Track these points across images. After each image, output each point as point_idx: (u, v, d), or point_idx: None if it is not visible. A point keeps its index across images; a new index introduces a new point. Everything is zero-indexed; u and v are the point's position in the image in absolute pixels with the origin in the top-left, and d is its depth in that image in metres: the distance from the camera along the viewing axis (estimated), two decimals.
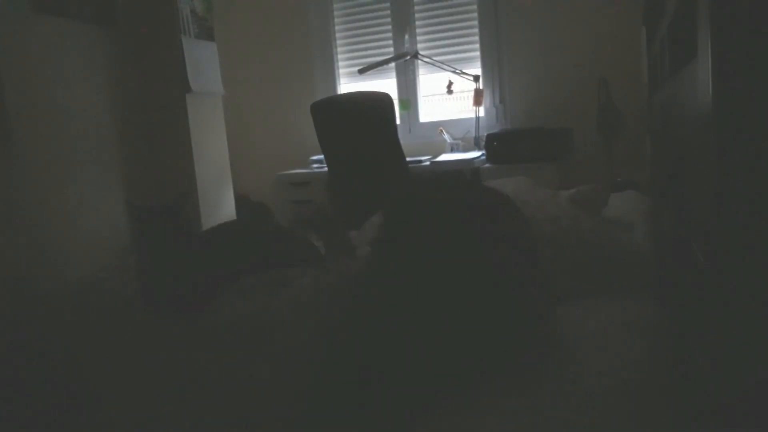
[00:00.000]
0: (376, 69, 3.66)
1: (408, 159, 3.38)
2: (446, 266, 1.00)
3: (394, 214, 1.11)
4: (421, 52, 3.75)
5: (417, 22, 3.87)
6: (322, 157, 3.38)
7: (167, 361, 1.16)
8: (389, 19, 3.92)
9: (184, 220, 1.44)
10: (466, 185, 1.20)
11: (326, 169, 3.32)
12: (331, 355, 1.02)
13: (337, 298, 1.20)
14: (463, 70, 3.64)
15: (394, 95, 3.74)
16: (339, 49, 4.06)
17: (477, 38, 3.77)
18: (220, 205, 3.15)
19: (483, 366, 0.98)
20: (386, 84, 3.95)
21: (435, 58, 3.72)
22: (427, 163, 3.45)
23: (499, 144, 3.31)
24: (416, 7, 3.86)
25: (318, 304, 1.21)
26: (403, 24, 3.89)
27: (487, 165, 3.33)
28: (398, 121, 3.61)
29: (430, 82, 3.94)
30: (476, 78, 3.61)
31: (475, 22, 3.76)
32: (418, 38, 3.88)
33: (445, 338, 0.98)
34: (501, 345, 1.00)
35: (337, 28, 4.05)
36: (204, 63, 3.02)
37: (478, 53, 3.77)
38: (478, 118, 3.68)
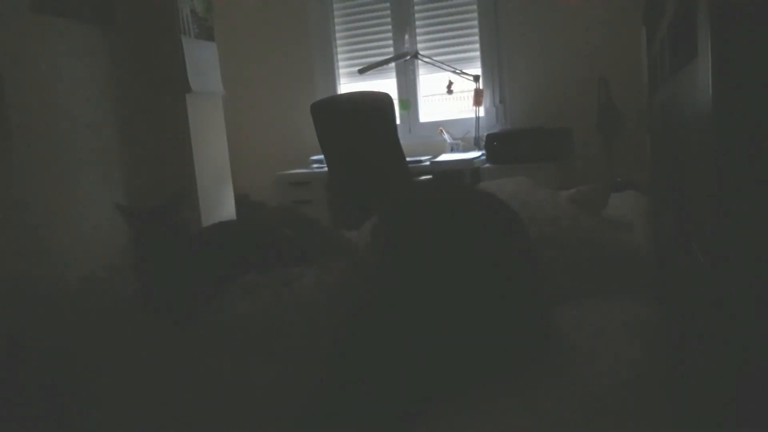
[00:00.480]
0: (376, 69, 3.66)
1: (408, 159, 3.38)
2: (442, 267, 1.00)
3: (388, 216, 1.11)
4: (421, 52, 3.75)
5: (417, 22, 3.87)
6: (322, 157, 3.38)
7: (168, 361, 1.16)
8: (389, 19, 3.92)
9: (179, 221, 1.43)
10: (458, 188, 1.20)
11: (326, 169, 3.32)
12: (333, 356, 1.02)
13: (340, 299, 1.20)
14: (463, 70, 3.64)
15: (394, 95, 3.74)
16: (339, 49, 4.06)
17: (477, 38, 3.77)
18: (220, 205, 3.15)
19: (482, 367, 0.98)
20: (386, 84, 3.95)
21: (435, 58, 3.72)
22: (427, 163, 3.45)
23: (499, 144, 3.31)
24: (416, 7, 3.86)
25: (321, 304, 1.20)
26: (403, 24, 3.88)
27: (487, 165, 3.33)
28: (398, 121, 3.61)
29: (430, 82, 3.94)
30: (476, 78, 3.61)
31: (475, 22, 3.76)
32: (418, 38, 3.88)
33: (442, 339, 0.98)
34: (499, 345, 1.00)
35: (337, 28, 4.05)
36: (204, 63, 3.02)
37: (478, 53, 3.77)
38: (478, 118, 3.68)
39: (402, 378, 0.97)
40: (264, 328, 1.17)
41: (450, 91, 3.78)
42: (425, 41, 3.87)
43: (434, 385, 0.97)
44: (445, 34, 3.85)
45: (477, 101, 3.64)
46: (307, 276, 1.36)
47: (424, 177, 3.29)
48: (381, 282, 1.05)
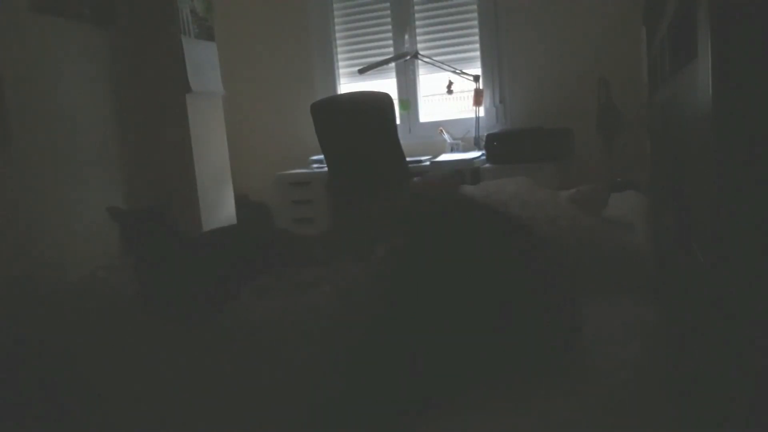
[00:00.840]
0: (376, 69, 3.66)
1: (408, 159, 3.38)
2: (453, 278, 1.01)
3: (411, 223, 1.12)
4: (421, 52, 3.75)
5: (417, 22, 3.87)
6: (322, 157, 3.38)
7: (169, 362, 1.16)
8: (389, 19, 3.92)
9: (170, 223, 1.42)
10: (470, 204, 1.21)
11: (326, 169, 3.32)
12: (345, 360, 1.02)
13: (355, 306, 1.19)
14: (463, 70, 3.64)
15: (394, 95, 3.74)
16: (339, 49, 4.06)
17: (477, 38, 3.77)
18: (220, 205, 3.15)
19: (487, 368, 0.98)
20: (386, 84, 3.95)
21: (435, 58, 3.72)
22: (427, 163, 3.45)
23: (499, 144, 3.31)
24: (416, 7, 3.86)
25: (339, 313, 1.19)
26: (403, 24, 3.88)
27: (487, 165, 3.32)
28: (398, 121, 3.61)
29: (430, 82, 3.94)
30: (476, 78, 3.61)
31: (475, 22, 3.76)
32: (418, 38, 3.87)
33: (452, 342, 0.98)
34: (504, 348, 1.00)
35: (337, 28, 4.05)
36: (204, 63, 3.02)
37: (478, 53, 3.77)
38: (478, 118, 3.68)
39: (408, 381, 0.97)
40: (280, 333, 1.16)
41: (450, 91, 3.77)
42: (425, 41, 3.87)
43: (438, 386, 0.97)
44: (445, 34, 3.84)
45: (477, 101, 3.64)
46: (324, 283, 1.34)
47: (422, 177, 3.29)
48: (398, 289, 1.07)
